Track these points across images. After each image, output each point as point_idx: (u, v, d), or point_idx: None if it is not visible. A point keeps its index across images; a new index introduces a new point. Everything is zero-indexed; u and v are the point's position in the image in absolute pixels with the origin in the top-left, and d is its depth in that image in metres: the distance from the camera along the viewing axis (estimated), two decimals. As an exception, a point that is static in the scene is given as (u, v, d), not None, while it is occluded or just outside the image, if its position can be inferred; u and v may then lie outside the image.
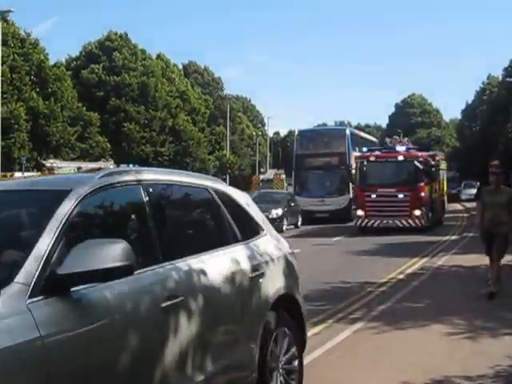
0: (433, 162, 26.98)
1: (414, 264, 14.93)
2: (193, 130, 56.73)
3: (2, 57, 35.91)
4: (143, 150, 51.23)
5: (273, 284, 4.95)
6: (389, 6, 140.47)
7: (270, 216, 23.52)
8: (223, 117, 69.04)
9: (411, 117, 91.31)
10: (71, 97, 43.99)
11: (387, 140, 31.68)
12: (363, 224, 25.64)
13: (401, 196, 25.11)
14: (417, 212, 24.89)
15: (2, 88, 35.16)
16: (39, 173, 30.50)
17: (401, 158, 25.77)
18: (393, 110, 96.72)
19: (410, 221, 24.95)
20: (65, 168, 30.92)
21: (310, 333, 7.39)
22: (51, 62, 44.93)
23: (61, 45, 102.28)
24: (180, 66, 67.91)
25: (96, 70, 50.90)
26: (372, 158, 26.30)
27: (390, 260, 15.68)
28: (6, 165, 35.03)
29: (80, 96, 46.06)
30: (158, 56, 59.56)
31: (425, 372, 6.13)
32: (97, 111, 47.01)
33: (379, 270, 13.77)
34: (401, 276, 13.06)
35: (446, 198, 33.37)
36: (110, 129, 49.08)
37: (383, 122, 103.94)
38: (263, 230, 5.29)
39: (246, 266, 4.67)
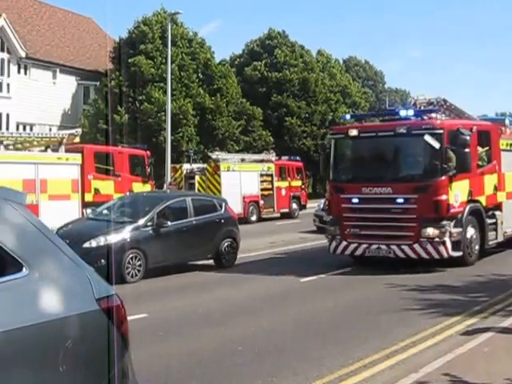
0: (468, 138, 14.50)
1: None
2: (353, 124, 57.01)
3: (172, 56, 38.25)
4: (304, 143, 52.25)
5: None
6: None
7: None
8: (384, 111, 68.79)
9: None
10: (235, 93, 45.77)
11: (410, 100, 19.24)
12: (339, 248, 15.44)
13: (401, 201, 14.63)
14: (429, 231, 14.38)
15: (171, 85, 37.50)
16: (205, 164, 32.33)
17: (402, 130, 14.71)
18: None
19: (417, 247, 14.43)
20: (229, 160, 32.43)
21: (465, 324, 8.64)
22: (217, 60, 46.96)
23: (225, 43, 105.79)
24: (341, 61, 68.43)
25: (258, 67, 52.51)
26: (352, 133, 15.50)
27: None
28: (175, 157, 37.32)
29: (244, 92, 47.80)
30: (319, 51, 60.49)
31: None
32: (259, 106, 48.58)
33: None
34: None
35: None
36: (272, 123, 50.55)
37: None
38: (23, 266, 3.51)
39: None
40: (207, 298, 12.36)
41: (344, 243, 15.37)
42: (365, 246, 15.04)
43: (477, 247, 15.59)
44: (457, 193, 14.79)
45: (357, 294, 12.55)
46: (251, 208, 31.41)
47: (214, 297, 12.46)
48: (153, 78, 40.91)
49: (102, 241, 14.10)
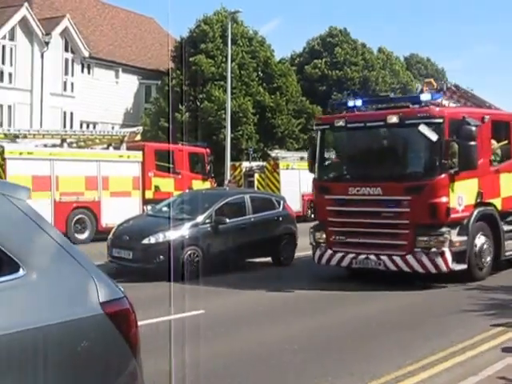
0: (473, 128, 12.26)
1: None
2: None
3: (232, 55, 38.43)
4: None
5: None
6: None
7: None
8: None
9: None
10: (295, 91, 45.66)
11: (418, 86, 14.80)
12: (324, 258, 13.60)
13: (392, 203, 12.64)
14: (424, 239, 12.29)
15: (231, 84, 37.68)
16: (265, 162, 32.35)
17: (394, 119, 12.58)
18: None
19: (411, 259, 12.37)
20: (288, 158, 32.38)
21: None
22: (277, 59, 46.96)
23: (285, 42, 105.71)
24: (402, 59, 67.66)
25: (319, 65, 52.30)
26: (339, 123, 13.38)
27: None
28: (234, 155, 37.47)
29: (304, 90, 47.64)
30: (379, 49, 59.90)
31: None
32: (319, 105, 48.37)
33: None
34: None
35: None
36: (332, 121, 50.24)
37: None
38: (20, 266, 3.25)
39: None
40: (265, 295, 12.37)
41: (329, 252, 13.41)
42: (352, 255, 13.07)
43: (489, 259, 13.30)
44: (460, 194, 12.55)
45: (418, 294, 12.33)
46: (310, 206, 31.32)
47: (271, 295, 12.45)
48: (213, 77, 41.14)
49: (160, 237, 14.24)
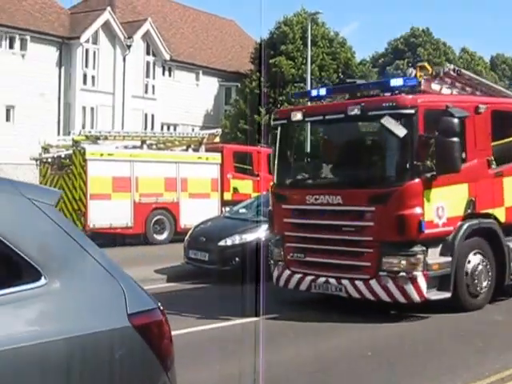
0: (455, 121, 9.68)
1: None
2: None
3: (312, 56, 38.16)
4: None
5: None
6: None
7: None
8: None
9: None
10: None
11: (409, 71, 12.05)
12: (281, 280, 11.14)
13: (353, 215, 10.21)
14: (390, 261, 9.77)
15: (311, 86, 37.36)
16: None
17: (355, 111, 10.06)
18: None
19: (375, 285, 9.86)
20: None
21: None
22: (357, 60, 46.45)
23: (365, 44, 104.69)
24: (487, 59, 65.96)
25: (401, 66, 51.46)
26: (296, 117, 10.97)
27: None
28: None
29: (385, 91, 46.95)
30: (463, 49, 58.57)
31: None
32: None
33: None
34: None
35: None
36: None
37: None
38: (42, 274, 3.07)
39: None
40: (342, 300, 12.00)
41: (287, 272, 10.97)
42: (310, 277, 10.56)
43: (486, 283, 10.48)
44: (441, 204, 9.91)
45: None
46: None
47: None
48: (293, 79, 40.94)
49: (236, 239, 14.10)
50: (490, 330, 9.43)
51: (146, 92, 38.90)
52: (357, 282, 10.00)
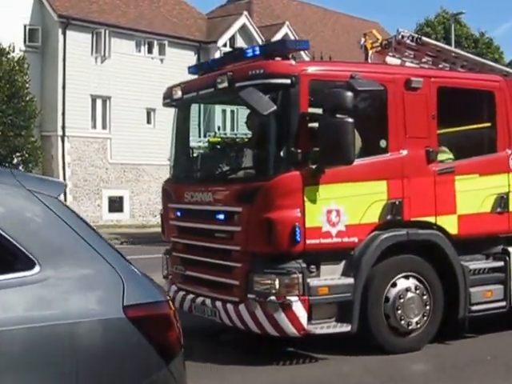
0: (349, 94, 6.90)
1: None
2: None
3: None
4: None
5: None
6: None
7: None
8: None
9: None
10: None
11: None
12: (176, 300, 8.25)
13: (221, 217, 7.73)
14: (259, 279, 7.17)
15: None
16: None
17: (224, 83, 7.50)
18: None
19: (244, 311, 7.33)
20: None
21: None
22: (506, 61, 44.39)
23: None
24: None
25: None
26: (176, 95, 8.61)
27: None
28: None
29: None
30: None
31: None
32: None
33: None
34: None
35: None
36: None
37: None
38: (35, 262, 3.13)
39: None
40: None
41: (173, 288, 8.62)
42: (191, 296, 8.26)
43: (418, 318, 7.75)
44: (334, 206, 7.29)
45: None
46: None
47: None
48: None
49: None
50: None
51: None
52: (228, 306, 7.62)
